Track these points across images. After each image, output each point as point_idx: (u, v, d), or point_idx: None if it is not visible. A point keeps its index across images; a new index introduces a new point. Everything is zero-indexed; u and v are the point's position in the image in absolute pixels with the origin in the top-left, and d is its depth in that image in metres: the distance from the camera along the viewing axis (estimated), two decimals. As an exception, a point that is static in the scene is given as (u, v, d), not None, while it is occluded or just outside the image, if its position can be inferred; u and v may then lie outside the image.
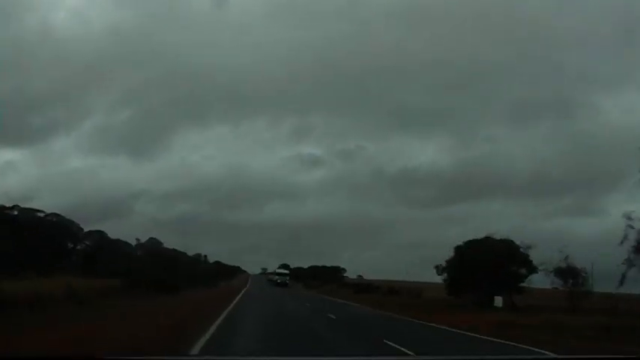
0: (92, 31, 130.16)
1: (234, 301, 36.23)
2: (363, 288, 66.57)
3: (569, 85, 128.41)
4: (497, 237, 38.99)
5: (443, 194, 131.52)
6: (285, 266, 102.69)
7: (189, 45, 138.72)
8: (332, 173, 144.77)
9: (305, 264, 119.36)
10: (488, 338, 19.83)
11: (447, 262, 41.02)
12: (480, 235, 40.25)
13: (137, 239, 73.66)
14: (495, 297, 36.46)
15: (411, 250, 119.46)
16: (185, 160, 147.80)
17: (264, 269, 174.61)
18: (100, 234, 65.25)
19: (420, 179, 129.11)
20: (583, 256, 33.94)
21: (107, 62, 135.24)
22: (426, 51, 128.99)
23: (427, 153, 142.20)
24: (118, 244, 66.63)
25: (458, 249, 40.76)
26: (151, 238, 78.41)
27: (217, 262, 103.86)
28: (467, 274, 37.20)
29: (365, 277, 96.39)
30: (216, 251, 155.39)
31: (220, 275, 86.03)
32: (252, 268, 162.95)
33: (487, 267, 36.37)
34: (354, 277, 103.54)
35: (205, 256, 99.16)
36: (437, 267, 42.24)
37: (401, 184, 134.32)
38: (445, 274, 41.30)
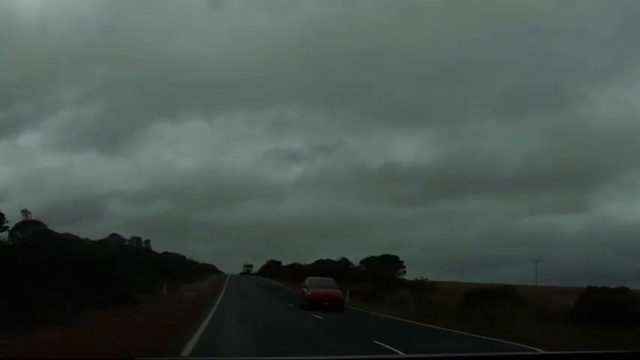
0: (57, 20, 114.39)
1: None
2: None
3: (560, 77, 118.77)
4: None
5: (427, 190, 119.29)
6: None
7: (162, 34, 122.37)
8: (312, 169, 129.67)
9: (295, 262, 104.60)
10: None
11: None
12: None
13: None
14: None
15: (397, 248, 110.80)
16: (158, 157, 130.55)
17: (249, 267, 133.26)
18: (39, 227, 45.76)
19: (403, 175, 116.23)
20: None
21: (73, 53, 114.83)
22: (410, 40, 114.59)
23: (411, 147, 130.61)
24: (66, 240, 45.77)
25: None
26: (113, 234, 66.10)
27: (166, 254, 63.40)
28: None
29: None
30: (192, 252, 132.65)
31: (171, 277, 46.42)
32: (230, 268, 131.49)
33: None
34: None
35: (147, 241, 61.75)
36: None
37: (384, 180, 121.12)
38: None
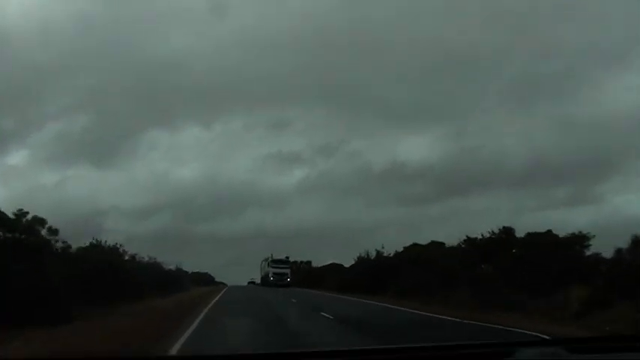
0: (41, 27, 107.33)
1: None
2: None
3: (569, 64, 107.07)
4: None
5: (435, 189, 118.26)
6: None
7: (152, 36, 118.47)
8: (314, 173, 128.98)
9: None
10: None
11: None
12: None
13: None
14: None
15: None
16: (155, 167, 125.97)
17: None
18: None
19: (409, 175, 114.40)
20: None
21: (60, 61, 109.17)
22: (413, 32, 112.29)
23: (416, 146, 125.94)
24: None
25: None
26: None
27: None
28: None
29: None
30: (194, 266, 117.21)
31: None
32: (236, 277, 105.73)
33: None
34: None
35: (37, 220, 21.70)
36: None
37: (389, 181, 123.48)
38: None
